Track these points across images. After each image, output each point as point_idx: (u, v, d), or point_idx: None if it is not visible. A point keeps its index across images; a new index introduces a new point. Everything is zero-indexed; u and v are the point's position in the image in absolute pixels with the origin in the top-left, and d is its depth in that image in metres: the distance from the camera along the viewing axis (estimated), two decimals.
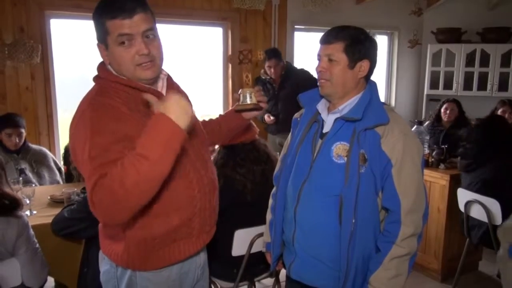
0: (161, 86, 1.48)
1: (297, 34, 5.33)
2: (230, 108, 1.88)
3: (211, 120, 1.84)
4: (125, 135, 1.27)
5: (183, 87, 1.58)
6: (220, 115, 1.87)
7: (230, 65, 4.98)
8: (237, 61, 1.82)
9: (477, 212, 3.03)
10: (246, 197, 2.27)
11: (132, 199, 1.18)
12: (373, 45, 1.57)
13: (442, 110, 4.37)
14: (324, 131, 1.61)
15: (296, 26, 5.27)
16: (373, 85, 1.62)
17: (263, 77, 4.54)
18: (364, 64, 1.54)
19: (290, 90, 4.26)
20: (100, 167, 1.20)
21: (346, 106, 1.58)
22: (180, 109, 1.20)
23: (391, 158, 1.49)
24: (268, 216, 1.85)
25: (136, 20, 1.31)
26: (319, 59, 1.58)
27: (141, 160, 1.15)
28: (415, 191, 1.52)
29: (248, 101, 1.69)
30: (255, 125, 2.07)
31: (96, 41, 1.40)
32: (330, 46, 1.53)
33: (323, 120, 1.63)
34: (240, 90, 1.73)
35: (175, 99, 1.21)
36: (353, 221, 1.49)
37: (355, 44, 1.52)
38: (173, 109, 1.19)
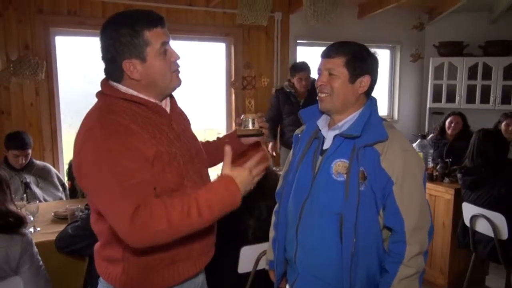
0: (165, 104, 1.48)
1: (299, 49, 5.37)
2: (232, 130, 1.85)
3: (208, 142, 1.81)
4: (138, 149, 1.27)
5: (187, 100, 1.58)
6: (218, 138, 1.84)
7: (233, 78, 5.00)
8: (241, 86, 1.81)
9: (483, 227, 3.00)
10: (247, 237, 2.13)
11: (171, 235, 1.27)
12: (374, 62, 1.57)
13: (447, 123, 4.36)
14: (325, 147, 1.59)
15: (298, 41, 5.31)
16: (374, 101, 1.61)
17: (288, 90, 4.38)
18: (365, 80, 1.54)
19: None
20: (134, 191, 1.22)
21: (345, 122, 1.56)
22: (248, 182, 1.32)
23: (392, 176, 1.46)
24: (271, 233, 1.82)
25: (166, 27, 1.37)
26: (319, 73, 1.58)
27: (195, 214, 1.24)
28: (418, 209, 1.48)
29: (250, 126, 1.69)
30: (267, 152, 2.01)
31: (121, 59, 1.32)
32: (331, 60, 1.53)
33: (323, 137, 1.61)
34: (242, 116, 1.72)
35: (249, 169, 1.32)
36: (354, 240, 1.46)
37: (356, 60, 1.52)
38: (243, 178, 1.31)
